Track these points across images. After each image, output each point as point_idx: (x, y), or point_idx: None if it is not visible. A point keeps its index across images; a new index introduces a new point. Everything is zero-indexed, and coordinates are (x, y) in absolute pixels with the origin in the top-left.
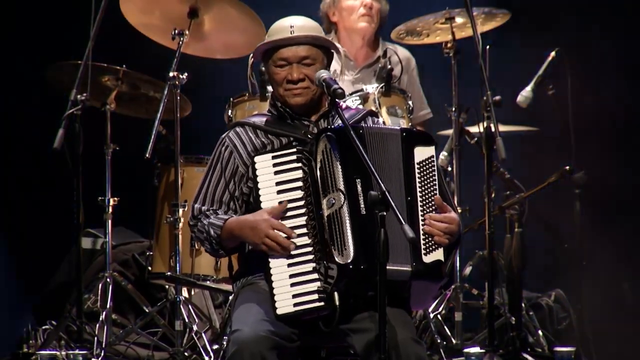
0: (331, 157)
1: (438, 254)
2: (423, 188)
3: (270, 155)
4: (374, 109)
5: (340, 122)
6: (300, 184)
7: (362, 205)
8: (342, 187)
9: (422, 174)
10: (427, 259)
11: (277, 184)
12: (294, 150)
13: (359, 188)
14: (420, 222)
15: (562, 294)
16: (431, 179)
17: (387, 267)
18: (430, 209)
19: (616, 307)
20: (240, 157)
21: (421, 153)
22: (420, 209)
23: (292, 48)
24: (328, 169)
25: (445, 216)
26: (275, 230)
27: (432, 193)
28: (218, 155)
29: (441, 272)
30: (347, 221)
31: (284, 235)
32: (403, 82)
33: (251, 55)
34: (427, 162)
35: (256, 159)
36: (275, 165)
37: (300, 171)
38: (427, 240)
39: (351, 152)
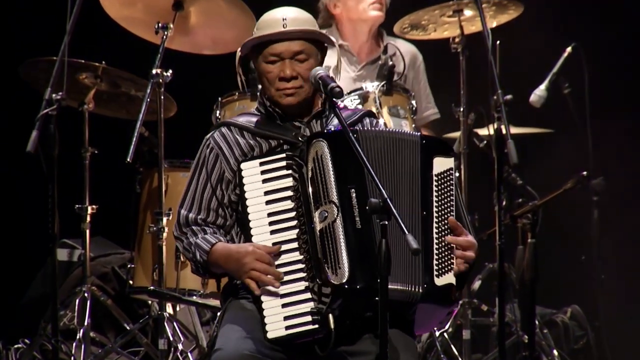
0: (323, 165)
1: (450, 277)
2: (440, 203)
3: (257, 161)
4: (374, 109)
5: (334, 124)
6: (290, 193)
7: (358, 219)
8: (334, 198)
9: (439, 187)
10: (439, 281)
11: (266, 193)
12: (283, 155)
13: (354, 199)
14: (435, 241)
15: (579, 311)
16: (449, 194)
17: (396, 287)
18: (446, 226)
19: (636, 325)
20: (227, 161)
21: (440, 164)
22: (435, 226)
23: (284, 43)
24: (320, 178)
25: (467, 240)
26: (262, 264)
27: (449, 209)
28: (203, 158)
29: (452, 296)
30: (341, 236)
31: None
32: (408, 79)
33: (239, 50)
34: (445, 174)
35: (242, 165)
36: (263, 172)
37: (291, 179)
38: (440, 261)
39: (346, 159)
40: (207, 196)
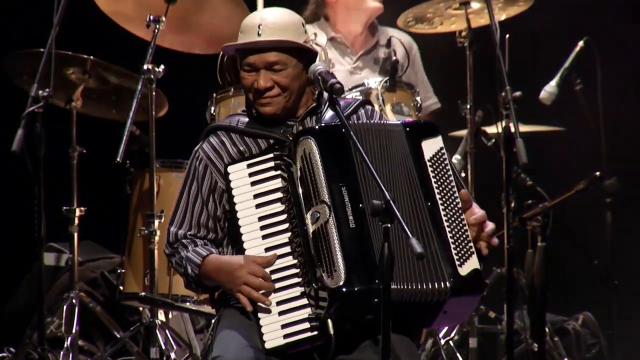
0: (312, 164)
1: (474, 262)
2: (440, 188)
3: (245, 163)
4: (376, 106)
5: (326, 119)
6: (280, 195)
7: (351, 218)
8: (326, 198)
9: (435, 171)
10: (463, 270)
11: (255, 196)
12: (271, 155)
13: (346, 198)
14: (447, 229)
15: (591, 318)
16: (446, 175)
17: (420, 288)
18: (454, 210)
19: None
20: (217, 170)
21: (430, 147)
22: (444, 214)
23: (258, 54)
24: (309, 177)
25: (482, 215)
26: (255, 278)
27: (451, 191)
28: (193, 171)
29: (481, 282)
30: (335, 237)
31: (264, 281)
32: (403, 68)
33: (221, 52)
34: (437, 156)
35: (229, 169)
36: (251, 174)
37: (280, 180)
38: (459, 249)
39: (335, 156)
40: (197, 211)
